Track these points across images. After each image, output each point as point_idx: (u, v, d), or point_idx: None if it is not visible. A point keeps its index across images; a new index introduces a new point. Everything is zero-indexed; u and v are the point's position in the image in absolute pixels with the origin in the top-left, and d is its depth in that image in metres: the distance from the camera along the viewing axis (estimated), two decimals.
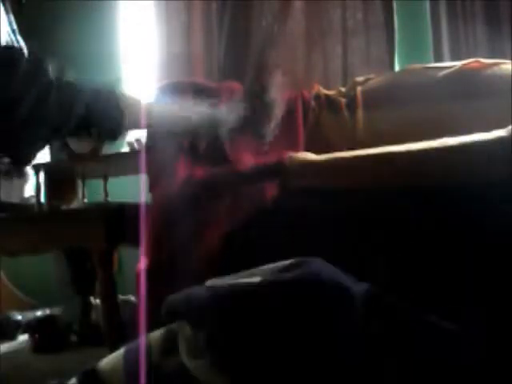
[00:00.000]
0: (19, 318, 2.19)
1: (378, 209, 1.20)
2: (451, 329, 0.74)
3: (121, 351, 0.86)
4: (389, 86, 1.79)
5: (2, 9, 2.36)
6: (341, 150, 1.39)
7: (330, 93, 1.85)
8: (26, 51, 0.98)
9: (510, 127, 1.17)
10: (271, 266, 0.88)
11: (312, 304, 0.76)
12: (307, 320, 0.75)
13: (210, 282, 0.92)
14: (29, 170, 2.23)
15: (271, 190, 1.31)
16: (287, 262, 0.87)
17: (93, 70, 2.72)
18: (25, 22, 2.50)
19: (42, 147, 1.07)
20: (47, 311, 2.21)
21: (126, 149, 2.23)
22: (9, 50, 0.99)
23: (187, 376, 0.76)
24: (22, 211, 2.12)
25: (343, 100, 1.80)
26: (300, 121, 1.72)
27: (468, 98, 1.59)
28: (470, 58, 1.78)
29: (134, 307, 1.54)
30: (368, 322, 0.75)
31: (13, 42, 2.14)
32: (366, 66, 2.37)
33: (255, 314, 0.76)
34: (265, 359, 0.73)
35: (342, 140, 1.67)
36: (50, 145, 1.69)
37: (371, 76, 1.89)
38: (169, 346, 0.81)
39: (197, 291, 0.84)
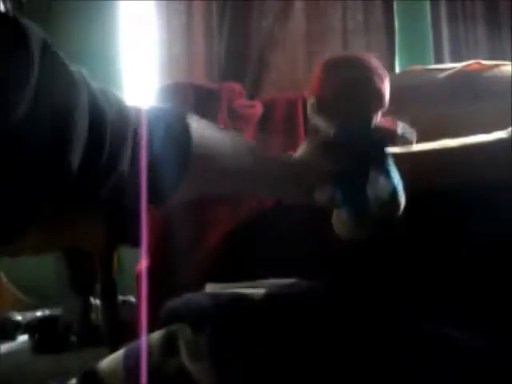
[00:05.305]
0: (19, 318, 2.19)
1: None
2: (452, 336, 0.75)
3: (121, 352, 0.86)
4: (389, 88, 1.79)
5: (3, 8, 2.36)
6: None
7: None
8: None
9: (510, 129, 1.17)
10: (274, 280, 0.88)
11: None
12: (308, 332, 0.75)
13: (209, 288, 0.92)
14: None
15: None
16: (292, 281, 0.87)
17: (93, 70, 2.73)
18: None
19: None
20: (47, 312, 2.21)
21: None
22: None
23: (188, 378, 0.76)
24: None
25: None
26: (300, 122, 1.72)
27: (468, 99, 1.59)
28: (470, 59, 1.78)
29: (133, 308, 1.55)
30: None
31: None
32: None
33: (256, 322, 0.77)
34: (266, 369, 0.73)
35: None
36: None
37: None
38: (169, 347, 0.81)
39: (197, 296, 0.84)
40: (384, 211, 0.73)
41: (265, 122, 1.70)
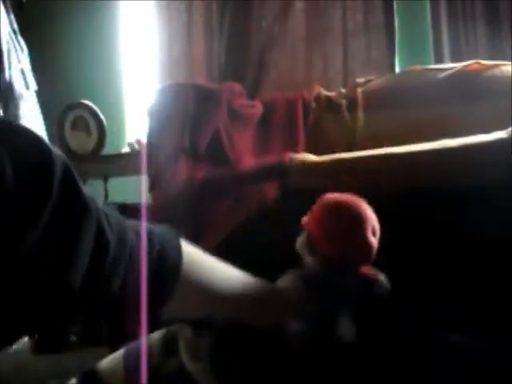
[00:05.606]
0: None
1: (376, 210, 1.20)
2: (451, 338, 0.75)
3: (121, 352, 0.86)
4: (389, 88, 1.79)
5: (3, 8, 2.36)
6: (341, 151, 1.39)
7: (331, 94, 1.86)
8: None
9: (510, 129, 1.17)
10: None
11: None
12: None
13: None
14: None
15: (272, 190, 1.31)
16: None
17: (93, 70, 2.72)
18: (25, 21, 2.51)
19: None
20: None
21: (126, 149, 2.23)
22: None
23: (187, 378, 0.76)
24: None
25: (343, 101, 1.80)
26: (300, 122, 1.72)
27: (468, 99, 1.59)
28: (470, 59, 1.78)
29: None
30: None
31: (13, 42, 2.13)
32: (366, 68, 2.38)
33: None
34: (266, 369, 0.73)
35: (342, 141, 1.68)
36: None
37: (371, 77, 1.89)
38: (169, 347, 0.81)
39: None
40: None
41: (265, 122, 1.70)
